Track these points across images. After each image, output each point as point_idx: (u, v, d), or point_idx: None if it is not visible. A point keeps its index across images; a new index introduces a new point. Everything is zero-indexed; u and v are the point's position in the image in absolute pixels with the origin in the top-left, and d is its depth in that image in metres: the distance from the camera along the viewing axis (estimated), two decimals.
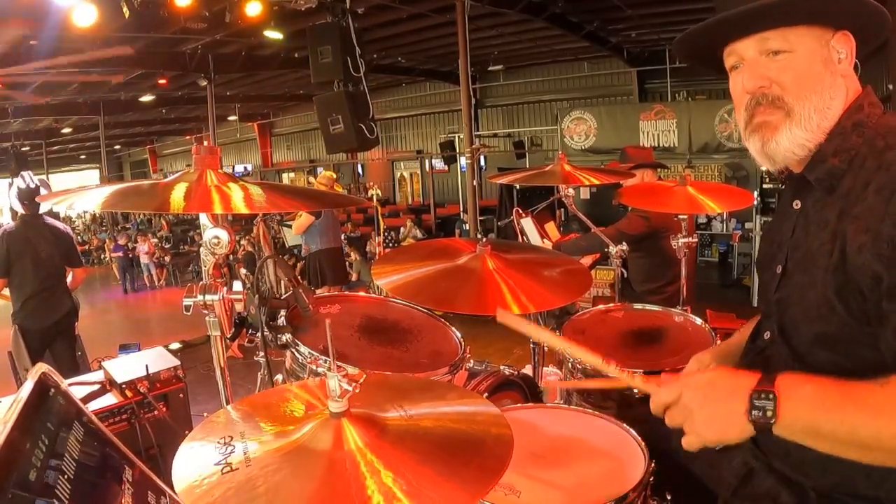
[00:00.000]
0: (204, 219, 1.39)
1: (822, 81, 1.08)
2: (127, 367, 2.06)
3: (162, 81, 11.39)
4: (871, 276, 0.96)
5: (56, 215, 4.88)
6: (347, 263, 8.86)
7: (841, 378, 1.04)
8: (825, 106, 1.08)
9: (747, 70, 1.12)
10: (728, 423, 0.96)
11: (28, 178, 4.11)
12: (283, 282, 1.84)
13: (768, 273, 1.22)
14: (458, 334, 1.96)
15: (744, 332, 1.51)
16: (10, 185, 4.22)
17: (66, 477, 0.94)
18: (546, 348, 2.48)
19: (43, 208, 4.25)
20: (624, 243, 2.67)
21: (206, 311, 1.36)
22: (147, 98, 13.45)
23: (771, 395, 0.93)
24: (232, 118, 18.76)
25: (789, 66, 1.08)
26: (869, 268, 0.96)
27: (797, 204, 1.18)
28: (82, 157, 24.88)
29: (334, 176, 7.05)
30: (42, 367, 1.09)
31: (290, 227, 7.00)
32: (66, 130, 17.40)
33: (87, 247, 17.64)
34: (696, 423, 0.99)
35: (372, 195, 9.71)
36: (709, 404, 0.99)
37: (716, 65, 1.21)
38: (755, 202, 7.71)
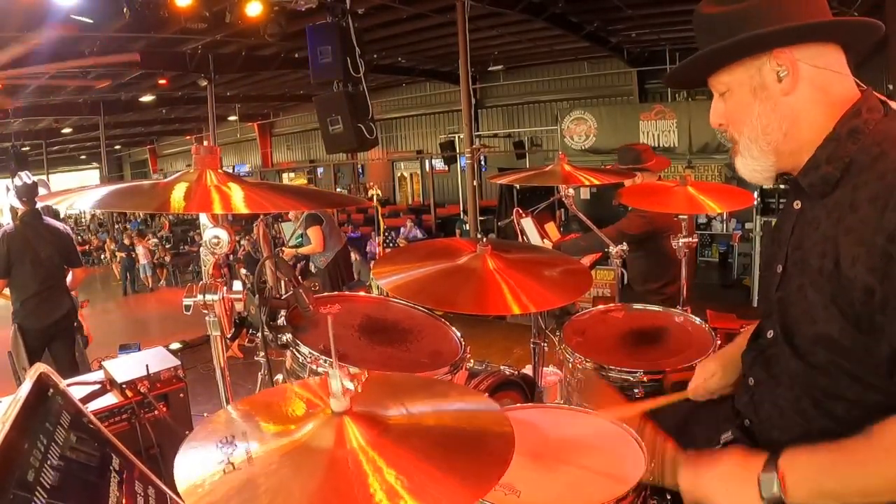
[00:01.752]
0: (204, 219, 1.39)
1: (750, 112, 1.13)
2: (127, 367, 2.05)
3: (162, 81, 11.41)
4: (864, 290, 0.97)
5: (56, 215, 4.89)
6: None
7: (842, 380, 1.06)
8: (760, 133, 1.13)
9: (711, 108, 1.21)
10: None
11: (25, 177, 4.12)
12: (282, 282, 1.84)
13: (770, 272, 1.22)
14: (458, 334, 1.96)
15: (746, 334, 1.51)
16: (8, 189, 4.24)
17: (64, 476, 0.94)
18: (546, 347, 2.48)
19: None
20: (624, 243, 2.67)
21: (206, 311, 1.35)
22: (147, 98, 13.46)
23: (774, 477, 1.03)
24: (232, 118, 18.77)
25: (728, 104, 1.17)
26: (862, 280, 0.97)
27: (797, 204, 1.18)
28: (82, 157, 24.90)
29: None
30: (41, 368, 1.09)
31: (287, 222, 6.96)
32: (67, 130, 17.42)
33: (87, 247, 17.64)
34: None
35: (372, 195, 9.70)
36: (727, 495, 1.10)
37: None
38: (755, 202, 7.69)
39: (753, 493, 1.05)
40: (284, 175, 20.50)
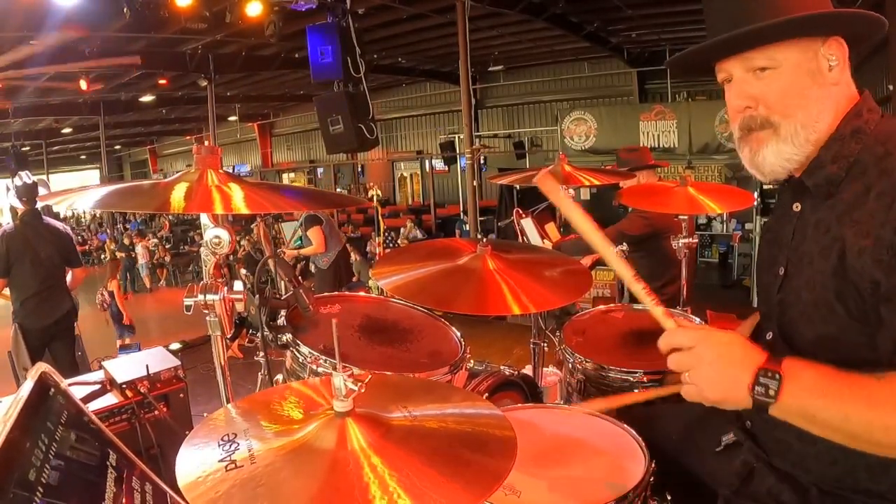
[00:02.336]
0: (204, 219, 1.39)
1: (808, 96, 1.06)
2: (127, 367, 2.06)
3: (162, 81, 11.40)
4: (870, 282, 0.96)
5: (56, 215, 4.90)
6: None
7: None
8: (813, 120, 1.07)
9: (734, 88, 1.12)
10: (731, 390, 0.98)
11: (25, 177, 4.13)
12: (282, 282, 1.84)
13: (769, 275, 1.22)
14: (458, 334, 1.96)
15: (744, 327, 1.51)
16: (8, 189, 4.24)
17: (65, 476, 0.94)
18: (546, 347, 2.48)
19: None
20: (624, 243, 2.67)
21: (206, 311, 1.36)
22: (147, 98, 13.46)
23: (777, 376, 0.95)
24: (232, 118, 18.76)
25: (774, 83, 1.07)
26: (868, 273, 0.96)
27: (797, 206, 1.18)
28: (82, 157, 24.89)
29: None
30: (42, 367, 1.09)
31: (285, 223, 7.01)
32: (67, 130, 17.41)
33: (87, 247, 17.62)
34: (702, 378, 1.00)
35: (372, 195, 9.71)
36: (719, 364, 0.99)
37: (712, 73, 1.20)
38: (755, 203, 7.69)
39: (745, 380, 0.96)
40: (284, 175, 20.49)
